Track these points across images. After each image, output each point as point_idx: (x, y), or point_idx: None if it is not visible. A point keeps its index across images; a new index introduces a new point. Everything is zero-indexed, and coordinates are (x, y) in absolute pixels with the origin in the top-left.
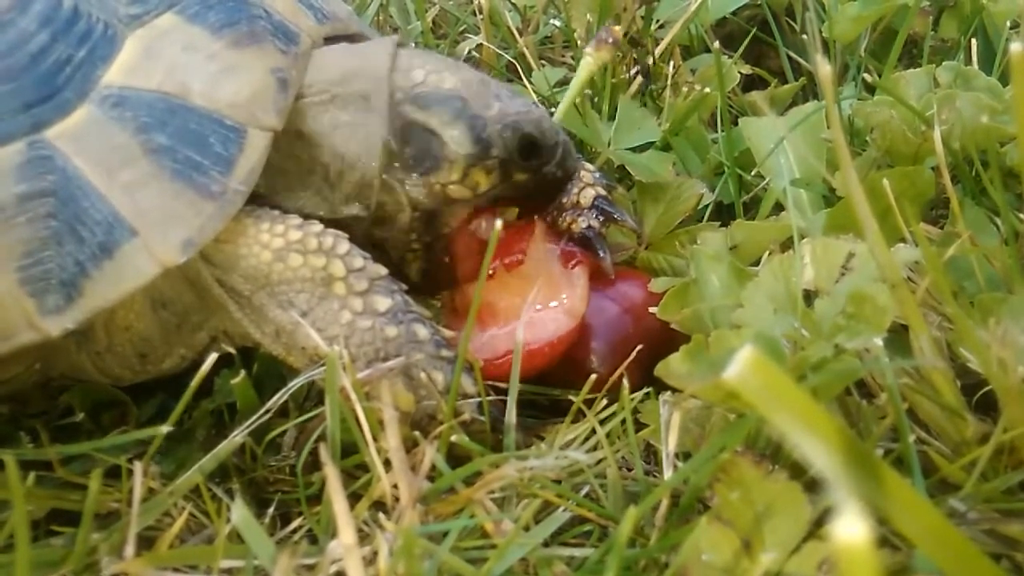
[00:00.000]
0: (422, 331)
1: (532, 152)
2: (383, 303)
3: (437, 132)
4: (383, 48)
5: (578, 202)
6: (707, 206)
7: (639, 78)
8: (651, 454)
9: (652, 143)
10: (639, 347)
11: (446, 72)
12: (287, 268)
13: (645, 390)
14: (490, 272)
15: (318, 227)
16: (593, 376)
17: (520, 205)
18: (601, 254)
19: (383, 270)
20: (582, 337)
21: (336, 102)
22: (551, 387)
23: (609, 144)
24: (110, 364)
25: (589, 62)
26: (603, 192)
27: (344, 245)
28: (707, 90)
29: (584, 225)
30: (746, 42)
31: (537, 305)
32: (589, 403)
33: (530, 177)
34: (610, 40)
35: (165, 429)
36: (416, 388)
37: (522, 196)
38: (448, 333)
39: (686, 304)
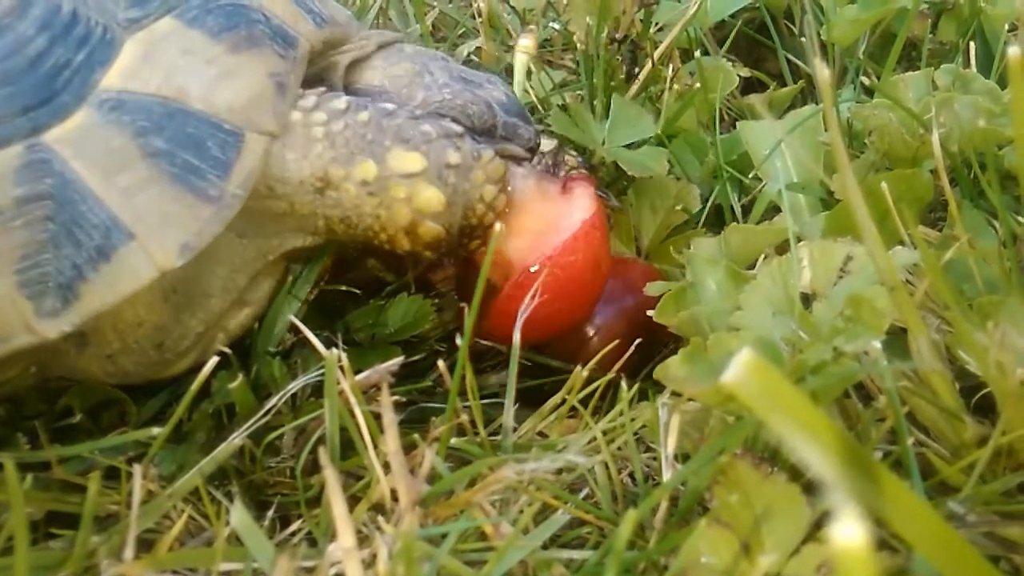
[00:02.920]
0: (388, 104)
1: None
2: (340, 102)
3: None
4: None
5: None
6: (705, 210)
7: (636, 80)
8: (650, 456)
9: (647, 140)
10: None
11: (380, 68)
12: None
13: (644, 391)
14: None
15: None
16: (587, 373)
17: None
18: None
19: (321, 88)
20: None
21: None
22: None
23: (604, 143)
24: (123, 364)
25: (522, 57)
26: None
27: None
28: (697, 86)
29: None
30: (738, 43)
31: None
32: (587, 403)
33: None
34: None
35: (156, 430)
36: (416, 145)
37: None
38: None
39: (683, 307)
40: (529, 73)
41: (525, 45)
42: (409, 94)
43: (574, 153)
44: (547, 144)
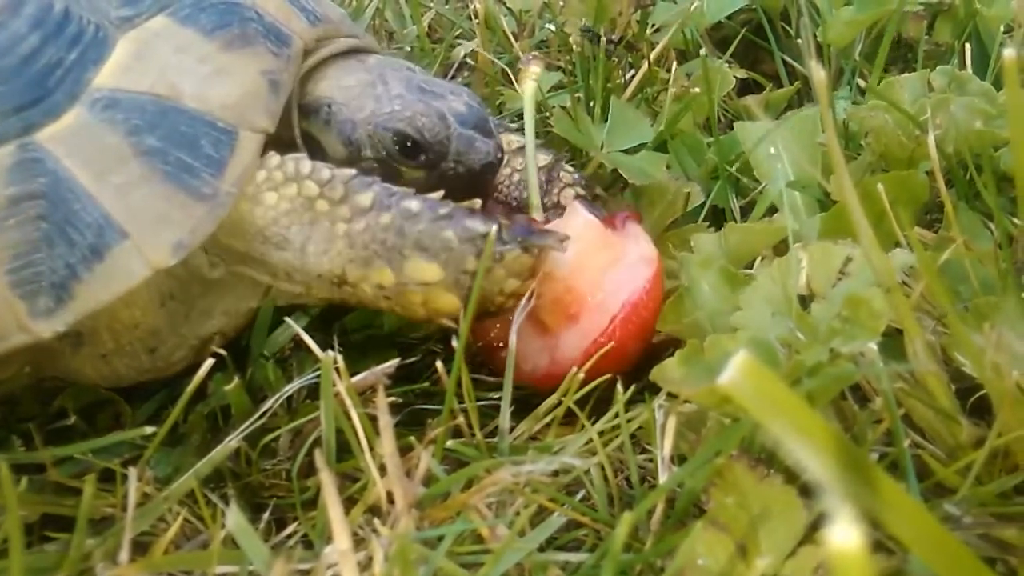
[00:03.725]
0: (413, 204)
1: (413, 150)
2: (366, 198)
3: (316, 138)
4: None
5: (558, 203)
6: (703, 209)
7: (633, 81)
8: (646, 458)
9: (645, 144)
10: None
11: (333, 79)
12: (267, 209)
13: (640, 393)
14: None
15: (276, 158)
16: (582, 376)
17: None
18: None
19: (350, 171)
20: None
21: None
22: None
23: (602, 147)
24: (116, 366)
25: (531, 83)
26: (583, 192)
27: (306, 164)
28: (696, 90)
29: None
30: (735, 44)
31: (608, 275)
32: (582, 405)
33: (427, 174)
34: (532, 58)
35: (150, 429)
36: (436, 255)
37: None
38: (435, 195)
39: (683, 313)
40: None
41: (535, 72)
42: (358, 105)
43: (570, 168)
44: (542, 158)
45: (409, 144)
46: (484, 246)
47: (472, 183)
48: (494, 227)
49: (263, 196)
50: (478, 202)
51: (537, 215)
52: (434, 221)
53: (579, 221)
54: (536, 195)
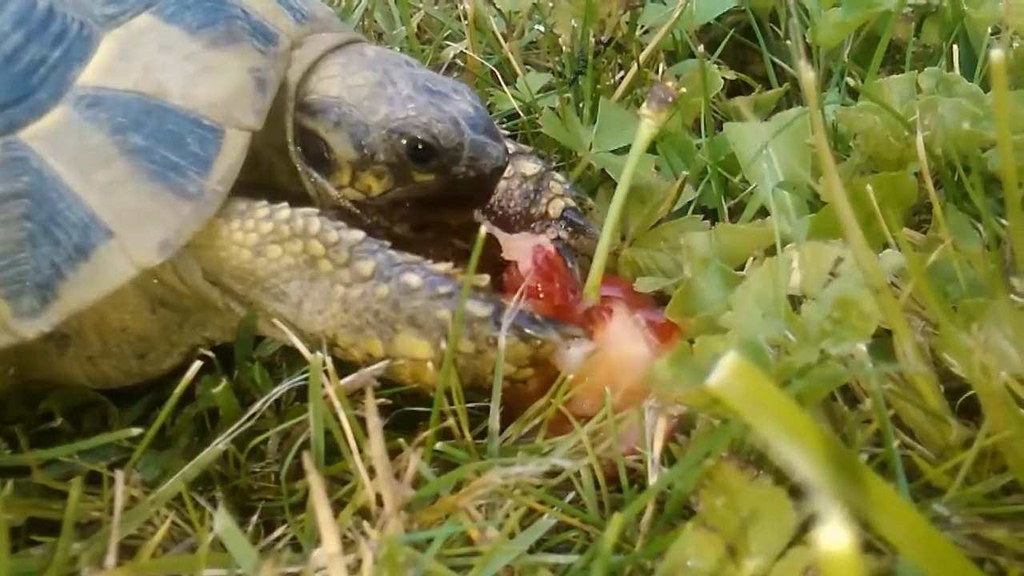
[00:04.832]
0: (413, 279)
1: (426, 155)
2: (367, 267)
3: (323, 138)
4: (304, 58)
5: (547, 213)
6: (690, 207)
7: (623, 83)
8: (636, 460)
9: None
10: None
11: (339, 78)
12: (270, 261)
13: None
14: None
15: (286, 212)
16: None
17: (449, 205)
18: (569, 265)
19: (359, 234)
20: None
21: None
22: None
23: (591, 148)
24: (104, 368)
25: (649, 123)
26: (572, 203)
27: (315, 223)
28: (683, 89)
29: (552, 236)
30: (723, 44)
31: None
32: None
33: (437, 178)
34: (668, 99)
35: (136, 431)
36: (428, 333)
37: (441, 196)
38: (442, 267)
39: (689, 307)
40: (515, 76)
41: (660, 117)
42: (371, 107)
43: (560, 179)
44: (532, 167)
45: (422, 149)
46: (480, 331)
47: (479, 186)
48: (491, 309)
49: (267, 248)
50: (486, 277)
51: (592, 298)
52: (432, 299)
53: (621, 327)
54: (599, 275)
